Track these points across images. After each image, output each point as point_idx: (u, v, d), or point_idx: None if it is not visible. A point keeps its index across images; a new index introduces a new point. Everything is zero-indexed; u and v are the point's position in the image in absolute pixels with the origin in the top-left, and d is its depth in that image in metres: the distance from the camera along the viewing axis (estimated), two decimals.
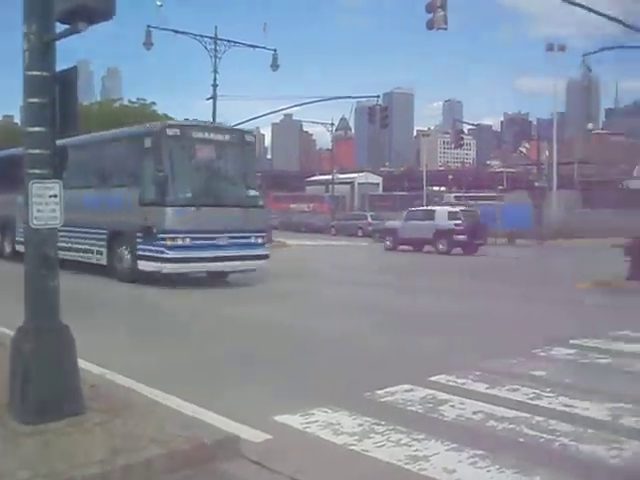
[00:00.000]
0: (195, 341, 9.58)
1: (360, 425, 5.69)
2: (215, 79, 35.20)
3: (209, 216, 15.53)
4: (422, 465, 4.82)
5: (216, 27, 35.38)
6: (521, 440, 5.42)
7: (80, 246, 17.71)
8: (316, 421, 5.79)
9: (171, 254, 15.13)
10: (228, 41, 35.48)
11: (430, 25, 19.39)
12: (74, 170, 18.18)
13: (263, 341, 9.69)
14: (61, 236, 18.74)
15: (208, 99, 35.62)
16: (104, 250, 17.12)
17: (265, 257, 16.88)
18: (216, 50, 35.06)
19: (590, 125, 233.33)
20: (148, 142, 15.84)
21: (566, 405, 6.39)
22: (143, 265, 15.70)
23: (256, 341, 9.68)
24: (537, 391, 6.83)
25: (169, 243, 15.10)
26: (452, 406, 6.30)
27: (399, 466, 4.83)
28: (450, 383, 7.15)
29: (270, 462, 4.83)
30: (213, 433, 5.09)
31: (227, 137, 16.93)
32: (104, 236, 17.08)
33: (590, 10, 19.75)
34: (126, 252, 16.32)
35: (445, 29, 19.57)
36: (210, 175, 16.49)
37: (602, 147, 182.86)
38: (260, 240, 16.75)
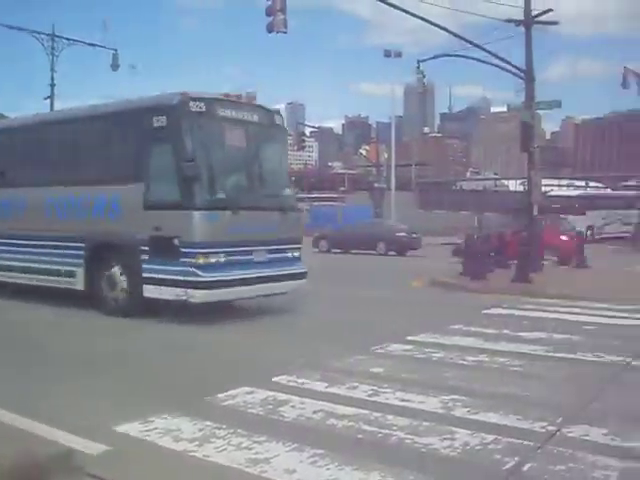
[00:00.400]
0: (35, 352, 9.12)
1: (201, 430, 5.62)
2: (52, 78, 33.98)
3: (246, 223, 11.67)
4: (263, 467, 4.82)
5: (54, 25, 34.18)
6: (360, 436, 5.54)
7: (41, 266, 13.27)
8: (155, 428, 5.66)
9: (205, 276, 11.03)
10: (66, 39, 34.31)
11: (270, 28, 19.45)
12: (33, 161, 13.92)
13: (97, 347, 9.39)
14: (12, 252, 14.21)
15: (46, 98, 34.34)
16: (79, 270, 12.62)
17: (304, 276, 13.05)
18: (53, 48, 33.83)
19: (426, 129, 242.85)
20: (161, 120, 11.49)
21: (403, 400, 6.60)
22: (153, 292, 11.48)
23: (90, 346, 9.37)
24: (375, 387, 7.01)
25: (201, 261, 11.02)
26: (293, 406, 6.35)
27: (240, 470, 4.80)
28: (291, 383, 7.21)
29: (109, 474, 4.68)
30: (48, 447, 4.87)
31: (256, 117, 12.69)
32: (80, 251, 12.56)
33: (424, 20, 20.50)
34: (120, 273, 12.02)
35: (285, 32, 19.68)
36: (243, 167, 12.59)
37: (438, 150, 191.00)
38: (297, 254, 13.09)
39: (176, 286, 11.08)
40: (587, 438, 5.51)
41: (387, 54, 49.28)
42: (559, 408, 6.36)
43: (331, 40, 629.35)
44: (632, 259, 25.89)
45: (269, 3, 19.44)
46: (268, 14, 19.50)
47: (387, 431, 5.62)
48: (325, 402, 6.47)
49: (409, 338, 9.83)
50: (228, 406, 6.42)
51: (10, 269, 13.99)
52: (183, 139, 11.26)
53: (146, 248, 11.45)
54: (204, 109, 11.49)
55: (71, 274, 12.71)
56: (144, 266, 11.51)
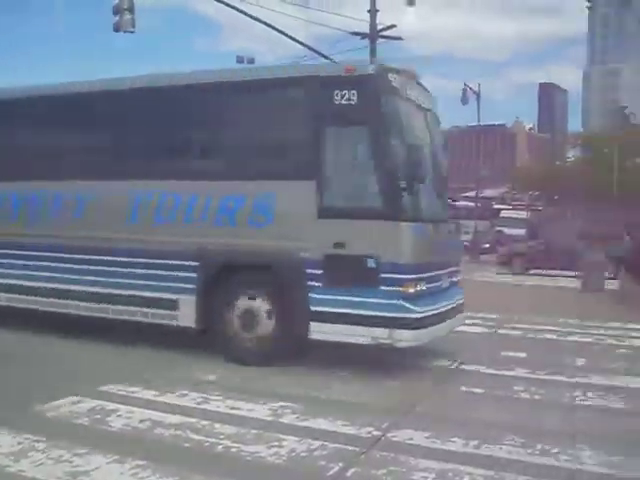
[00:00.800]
0: None
1: (19, 444, 5.36)
2: None
3: (440, 239, 8.96)
4: None
5: None
6: (186, 445, 5.47)
7: (131, 293, 9.29)
8: None
9: (418, 311, 7.97)
10: None
11: (117, 27, 18.98)
12: (118, 141, 10.01)
13: None
14: (65, 271, 10.10)
15: None
16: (187, 299, 8.89)
17: (463, 308, 9.81)
18: None
19: None
20: (348, 95, 8.15)
21: (232, 407, 6.59)
22: (327, 332, 8.13)
23: None
24: (205, 395, 6.96)
25: (411, 290, 8.00)
26: (119, 416, 6.19)
27: None
28: (120, 392, 7.03)
29: None
30: None
31: (428, 101, 9.72)
32: (188, 273, 8.90)
33: (271, 27, 20.60)
34: (264, 305, 8.59)
35: (132, 32, 19.27)
36: (430, 167, 9.16)
37: None
38: (459, 278, 10.17)
39: (373, 325, 7.95)
40: (410, 442, 5.71)
41: (239, 60, 48.99)
42: (387, 413, 6.55)
43: (187, 42, 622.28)
44: (470, 267, 26.96)
45: (116, 1, 18.96)
46: (115, 12, 19.01)
47: (214, 440, 5.58)
48: (153, 411, 6.36)
49: None
50: (52, 417, 6.18)
51: (61, 295, 9.97)
52: (387, 123, 8.25)
53: (317, 271, 8.26)
54: (399, 85, 8.58)
55: (171, 305, 9.05)
56: (312, 296, 8.25)
